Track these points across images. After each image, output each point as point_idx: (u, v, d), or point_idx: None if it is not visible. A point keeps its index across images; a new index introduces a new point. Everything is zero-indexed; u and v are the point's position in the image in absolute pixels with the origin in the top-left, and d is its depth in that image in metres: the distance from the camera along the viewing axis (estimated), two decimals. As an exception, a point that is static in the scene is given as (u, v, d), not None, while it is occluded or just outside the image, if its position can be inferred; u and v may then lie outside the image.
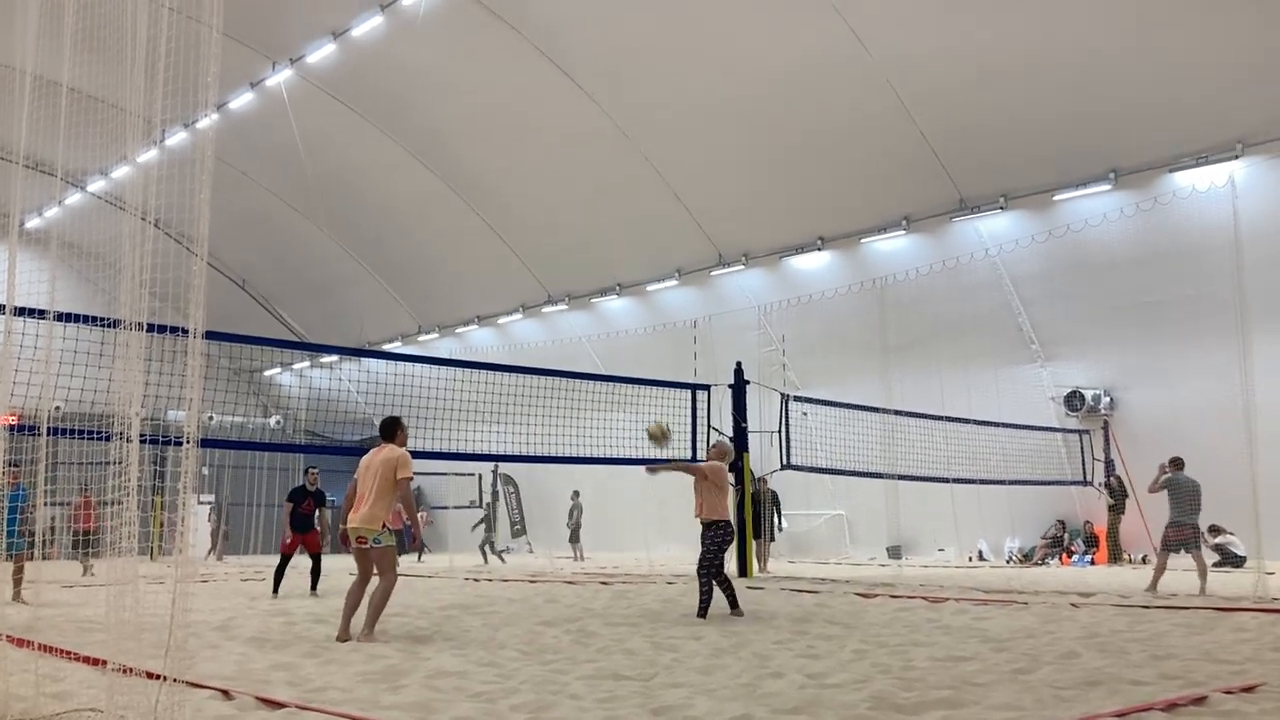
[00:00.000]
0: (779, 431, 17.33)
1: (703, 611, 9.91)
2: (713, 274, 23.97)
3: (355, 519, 8.40)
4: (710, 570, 10.04)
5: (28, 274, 6.36)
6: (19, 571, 12.11)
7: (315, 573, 14.30)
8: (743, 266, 23.31)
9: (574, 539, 25.55)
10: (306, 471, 15.29)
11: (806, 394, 19.57)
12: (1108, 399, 20.12)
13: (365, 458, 8.63)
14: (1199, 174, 16.91)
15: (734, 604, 10.07)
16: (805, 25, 18.10)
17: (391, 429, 8.74)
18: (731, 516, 10.87)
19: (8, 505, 11.72)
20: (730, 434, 17.42)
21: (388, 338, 32.10)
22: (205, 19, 4.56)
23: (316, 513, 14.74)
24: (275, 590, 13.83)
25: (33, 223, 24.43)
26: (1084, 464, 20.46)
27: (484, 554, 25.81)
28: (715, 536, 10.13)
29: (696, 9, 18.83)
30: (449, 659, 7.18)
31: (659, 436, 11.71)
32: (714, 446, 11.44)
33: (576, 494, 26.07)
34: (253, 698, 5.54)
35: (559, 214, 25.24)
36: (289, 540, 14.50)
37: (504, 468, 30.89)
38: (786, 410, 17.40)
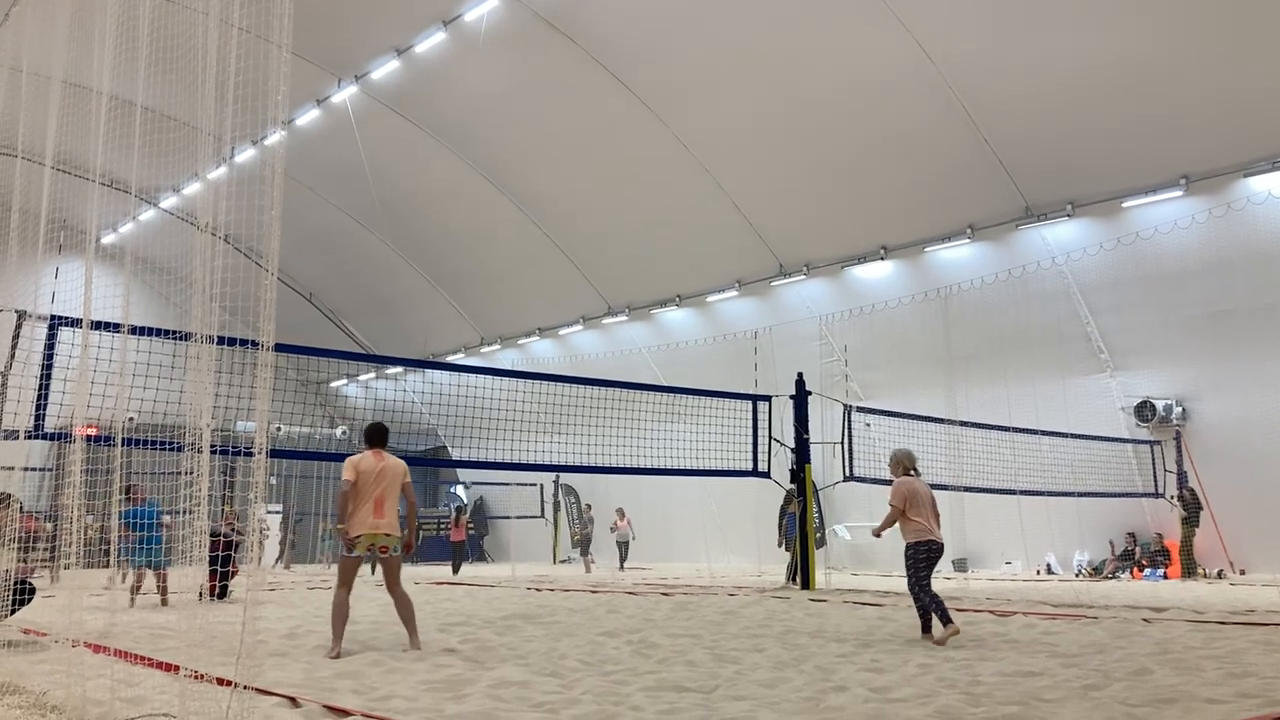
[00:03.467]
0: (841, 443, 17.17)
1: (926, 628, 8.96)
2: (773, 284, 23.87)
3: (382, 526, 8.22)
4: (916, 588, 9.00)
5: (103, 289, 6.53)
6: (140, 581, 12.80)
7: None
8: (804, 277, 23.18)
9: (584, 550, 25.80)
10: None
11: (869, 405, 19.38)
12: (1179, 409, 19.65)
13: (367, 462, 8.35)
14: (1275, 178, 16.50)
15: (925, 626, 8.97)
16: (868, 35, 17.98)
17: (387, 434, 8.68)
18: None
19: (140, 522, 12.47)
20: (791, 445, 17.32)
21: (451, 349, 32.43)
22: (274, 39, 4.66)
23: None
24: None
25: (108, 239, 25.15)
26: (1155, 476, 20.01)
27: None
28: (908, 556, 9.03)
29: (758, 22, 18.80)
30: (511, 669, 7.21)
31: None
32: (891, 460, 9.76)
33: (589, 506, 26.38)
34: (319, 705, 5.61)
35: (619, 226, 25.32)
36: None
37: (565, 478, 31.11)
38: (849, 421, 17.24)
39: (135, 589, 13.36)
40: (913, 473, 9.38)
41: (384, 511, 8.24)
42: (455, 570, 25.25)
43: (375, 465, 8.34)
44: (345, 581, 8.33)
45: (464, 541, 27.02)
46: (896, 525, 9.18)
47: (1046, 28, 16.75)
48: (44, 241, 6.77)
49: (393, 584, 8.41)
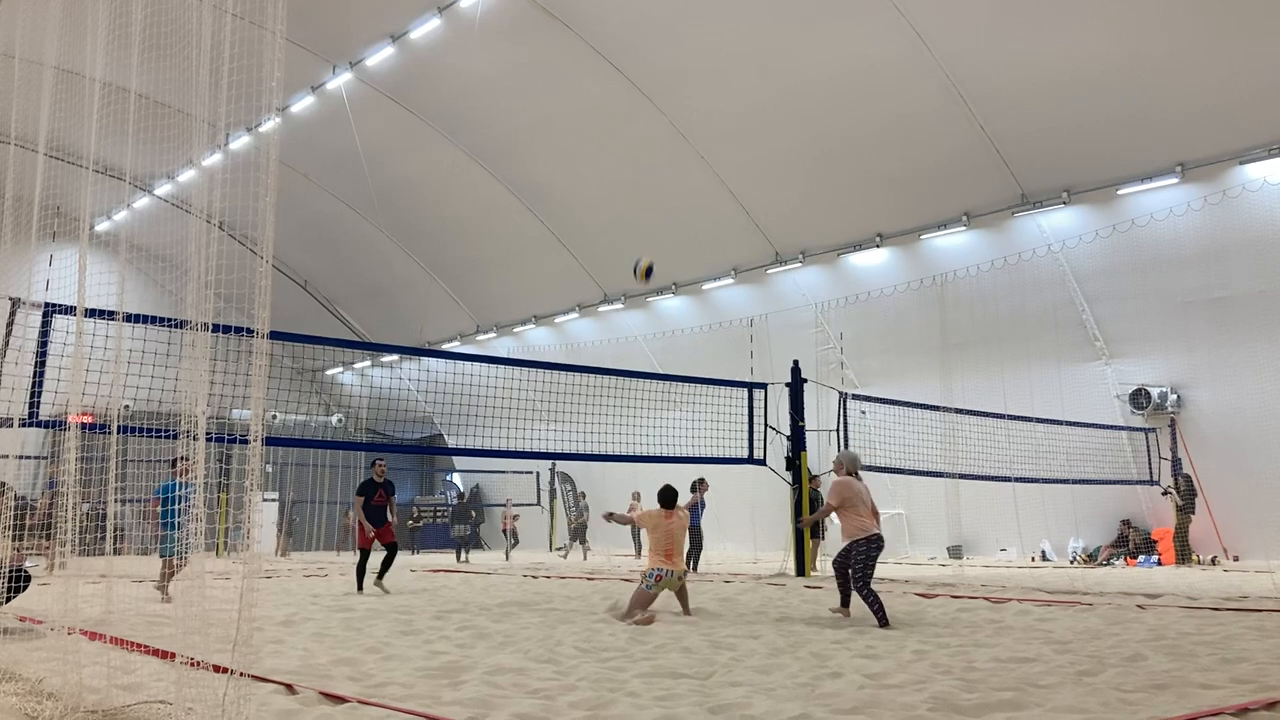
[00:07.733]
0: (837, 430, 17.20)
1: (880, 620, 9.06)
2: (769, 272, 23.85)
3: (672, 568, 10.12)
4: (859, 582, 9.31)
5: (97, 276, 6.50)
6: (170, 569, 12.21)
7: (388, 563, 14.06)
8: (800, 264, 23.17)
9: (581, 538, 25.85)
10: (373, 464, 14.69)
11: (865, 392, 19.41)
12: (1174, 397, 19.69)
13: (653, 519, 10.41)
14: (1270, 166, 16.50)
15: (846, 600, 9.90)
16: (865, 23, 17.94)
17: (676, 497, 10.55)
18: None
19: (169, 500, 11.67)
20: (787, 432, 17.34)
21: (447, 337, 32.42)
22: (268, 25, 4.64)
23: (388, 504, 14.24)
24: (360, 587, 13.78)
25: (102, 226, 25.06)
26: (1150, 463, 20.05)
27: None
28: (848, 551, 9.55)
29: (755, 9, 18.75)
30: (508, 656, 7.23)
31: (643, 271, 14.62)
32: (835, 460, 10.51)
33: (583, 494, 26.45)
34: (316, 692, 5.62)
35: (615, 213, 25.29)
36: (371, 535, 13.94)
37: (561, 466, 31.15)
38: (845, 409, 17.27)
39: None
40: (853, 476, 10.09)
41: (674, 559, 10.23)
42: (463, 559, 25.43)
43: (664, 523, 10.30)
44: (640, 607, 9.81)
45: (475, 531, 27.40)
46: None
47: (1043, 16, 16.71)
48: (37, 229, 6.74)
49: (687, 607, 10.34)
